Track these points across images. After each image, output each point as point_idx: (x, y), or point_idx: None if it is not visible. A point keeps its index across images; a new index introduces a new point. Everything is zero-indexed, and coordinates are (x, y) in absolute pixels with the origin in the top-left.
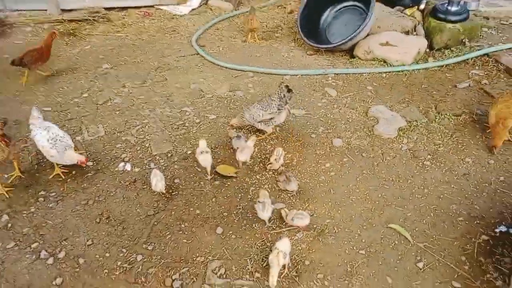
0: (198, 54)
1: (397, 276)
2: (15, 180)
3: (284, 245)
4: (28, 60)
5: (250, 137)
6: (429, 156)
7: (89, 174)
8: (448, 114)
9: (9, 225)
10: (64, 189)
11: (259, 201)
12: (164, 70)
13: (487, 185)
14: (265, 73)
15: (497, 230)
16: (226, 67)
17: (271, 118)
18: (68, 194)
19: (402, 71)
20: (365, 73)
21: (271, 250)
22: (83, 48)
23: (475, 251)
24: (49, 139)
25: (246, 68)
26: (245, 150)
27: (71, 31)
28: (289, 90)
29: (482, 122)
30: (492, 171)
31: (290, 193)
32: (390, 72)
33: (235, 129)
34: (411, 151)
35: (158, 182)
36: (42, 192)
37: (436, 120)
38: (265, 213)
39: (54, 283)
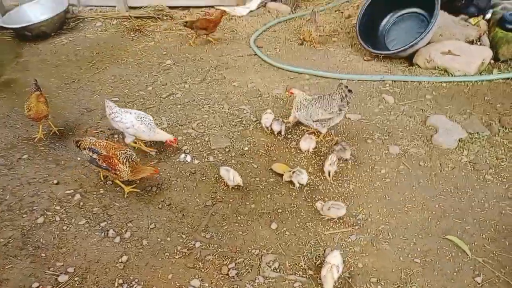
0: (256, 55)
1: None
2: None
3: (335, 258)
4: (197, 26)
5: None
6: (490, 170)
7: (153, 163)
8: None
9: (81, 203)
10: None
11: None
12: (223, 68)
13: None
14: (321, 76)
15: None
16: (283, 69)
17: (330, 119)
18: (133, 180)
19: (464, 81)
20: (424, 81)
21: (324, 250)
22: (147, 44)
23: None
24: (136, 117)
25: (303, 70)
26: (307, 140)
27: (137, 27)
28: (350, 91)
29: None
30: None
31: (345, 162)
32: (451, 82)
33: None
34: (472, 164)
35: (236, 176)
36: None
37: (500, 133)
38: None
39: (120, 260)
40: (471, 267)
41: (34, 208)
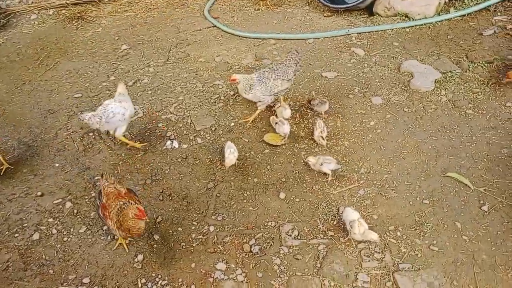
0: (215, 26)
1: (465, 221)
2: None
3: (353, 214)
4: None
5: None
6: (470, 105)
7: (139, 155)
8: (480, 62)
9: (75, 210)
10: (118, 171)
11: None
12: (184, 45)
13: None
14: (287, 39)
15: None
16: (246, 37)
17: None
18: (123, 176)
19: (425, 24)
20: (388, 29)
21: (337, 209)
22: (95, 31)
23: None
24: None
25: (267, 35)
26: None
27: (78, 15)
28: (298, 52)
29: None
30: None
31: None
32: (413, 26)
33: None
34: (451, 102)
35: (230, 154)
36: (98, 177)
37: (470, 69)
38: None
39: (135, 260)
40: (475, 198)
41: (25, 225)
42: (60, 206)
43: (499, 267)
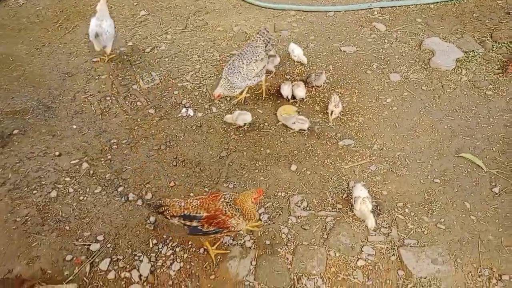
0: None
1: (475, 201)
2: None
3: (362, 191)
4: None
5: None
6: (490, 86)
7: (154, 121)
8: (505, 42)
9: (91, 171)
10: (133, 136)
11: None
12: (203, 14)
13: None
14: (307, 11)
15: None
16: (265, 7)
17: (264, 66)
18: (138, 141)
19: (450, 0)
20: (412, 5)
21: (348, 184)
22: None
23: None
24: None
25: (287, 6)
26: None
27: None
28: (267, 30)
29: None
30: None
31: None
32: (438, 2)
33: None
34: (471, 82)
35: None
36: (114, 140)
37: (494, 49)
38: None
39: (148, 221)
40: (487, 180)
41: (43, 183)
42: (77, 167)
43: (505, 248)
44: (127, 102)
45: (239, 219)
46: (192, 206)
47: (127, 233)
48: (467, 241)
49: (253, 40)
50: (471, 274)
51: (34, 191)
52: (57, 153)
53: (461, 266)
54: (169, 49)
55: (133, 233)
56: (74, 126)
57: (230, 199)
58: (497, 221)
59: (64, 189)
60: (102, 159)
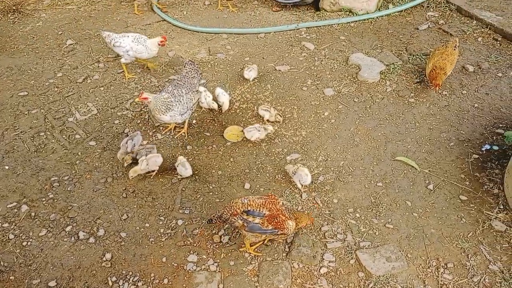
0: (164, 20)
1: (414, 199)
2: None
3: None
4: None
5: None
6: (412, 94)
7: (96, 153)
8: (418, 54)
9: (32, 214)
10: (75, 171)
11: None
12: None
13: (465, 112)
14: (239, 33)
15: (483, 149)
16: (198, 31)
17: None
18: (82, 176)
19: (367, 19)
20: (335, 24)
21: (301, 196)
22: (35, 25)
23: (470, 168)
24: (133, 40)
25: (220, 30)
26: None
27: (14, 8)
28: (192, 62)
29: None
30: (466, 100)
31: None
32: (357, 21)
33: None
34: (395, 91)
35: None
36: (54, 178)
37: (410, 61)
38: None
39: (104, 259)
40: (422, 179)
41: None
42: (15, 210)
43: (445, 238)
44: (63, 136)
45: (293, 223)
46: (255, 204)
47: (82, 274)
48: (413, 236)
49: (186, 72)
50: (421, 266)
51: None
52: None
53: (412, 260)
54: (103, 78)
55: (89, 273)
56: (7, 167)
57: (280, 203)
58: (435, 215)
59: (3, 236)
60: (44, 199)
